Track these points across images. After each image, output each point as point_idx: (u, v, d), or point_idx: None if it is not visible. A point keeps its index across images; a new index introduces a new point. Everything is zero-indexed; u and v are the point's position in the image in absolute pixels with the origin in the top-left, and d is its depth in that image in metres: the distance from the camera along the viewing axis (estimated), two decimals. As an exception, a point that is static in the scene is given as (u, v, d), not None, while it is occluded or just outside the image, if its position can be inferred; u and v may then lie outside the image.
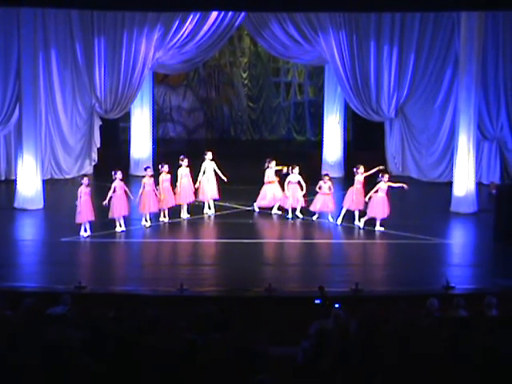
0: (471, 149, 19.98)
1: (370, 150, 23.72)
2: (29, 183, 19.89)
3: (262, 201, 19.70)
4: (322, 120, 24.78)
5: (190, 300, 13.74)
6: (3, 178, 22.93)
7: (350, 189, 18.86)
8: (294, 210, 19.35)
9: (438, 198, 21.33)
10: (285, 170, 19.33)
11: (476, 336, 9.56)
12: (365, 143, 24.51)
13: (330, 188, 18.94)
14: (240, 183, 20.99)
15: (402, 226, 18.34)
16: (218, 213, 19.78)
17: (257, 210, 19.80)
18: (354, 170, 18.78)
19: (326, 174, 19.49)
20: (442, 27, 22.83)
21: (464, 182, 20.00)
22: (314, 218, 19.20)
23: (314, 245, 17.89)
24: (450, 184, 20.55)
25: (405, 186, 18.59)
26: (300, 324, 11.06)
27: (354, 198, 18.61)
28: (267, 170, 19.49)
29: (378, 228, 18.24)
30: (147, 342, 9.01)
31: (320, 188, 18.93)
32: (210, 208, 19.78)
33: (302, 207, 19.32)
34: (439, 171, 23.33)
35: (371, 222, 18.37)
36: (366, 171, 18.63)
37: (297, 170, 19.23)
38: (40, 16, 20.54)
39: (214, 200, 19.78)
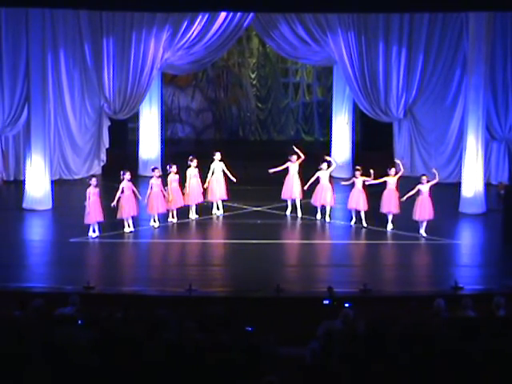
0: (480, 149, 19.95)
1: (378, 150, 23.71)
2: (37, 184, 19.91)
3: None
4: (331, 120, 24.76)
5: (198, 300, 13.76)
6: (12, 179, 22.92)
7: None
8: (322, 209, 19.25)
9: (446, 199, 21.27)
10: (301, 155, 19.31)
11: (484, 336, 9.55)
12: (373, 144, 24.49)
13: (363, 183, 18.62)
14: (248, 184, 21.03)
15: (410, 227, 18.31)
16: (227, 213, 19.79)
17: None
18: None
19: (357, 169, 18.91)
20: (450, 28, 22.79)
21: (472, 182, 19.98)
22: (327, 219, 19.15)
23: (322, 245, 17.87)
24: (458, 184, 20.51)
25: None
26: (308, 324, 11.06)
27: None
28: (288, 163, 19.46)
29: (389, 225, 18.23)
30: (155, 343, 9.03)
31: (353, 184, 18.79)
32: (218, 208, 19.79)
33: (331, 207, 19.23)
34: (448, 172, 23.25)
35: (382, 222, 18.39)
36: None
37: (325, 165, 19.14)
38: (48, 16, 20.51)
39: (223, 200, 19.80)
